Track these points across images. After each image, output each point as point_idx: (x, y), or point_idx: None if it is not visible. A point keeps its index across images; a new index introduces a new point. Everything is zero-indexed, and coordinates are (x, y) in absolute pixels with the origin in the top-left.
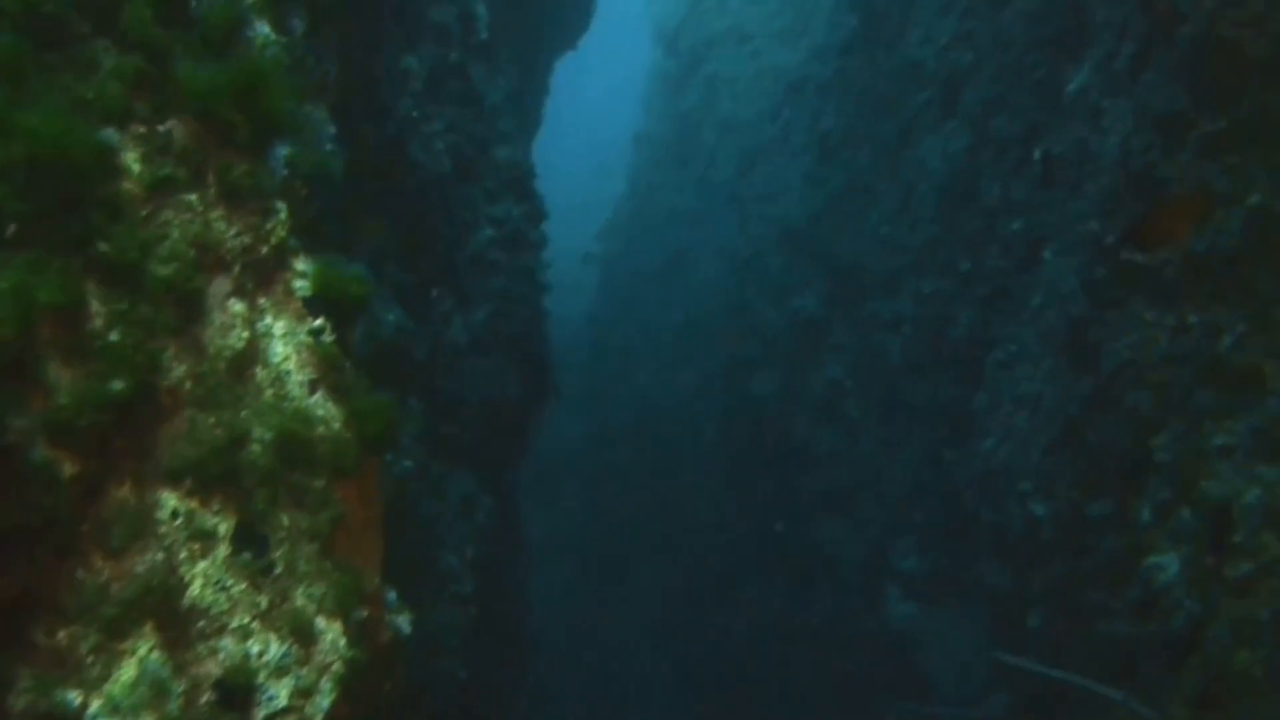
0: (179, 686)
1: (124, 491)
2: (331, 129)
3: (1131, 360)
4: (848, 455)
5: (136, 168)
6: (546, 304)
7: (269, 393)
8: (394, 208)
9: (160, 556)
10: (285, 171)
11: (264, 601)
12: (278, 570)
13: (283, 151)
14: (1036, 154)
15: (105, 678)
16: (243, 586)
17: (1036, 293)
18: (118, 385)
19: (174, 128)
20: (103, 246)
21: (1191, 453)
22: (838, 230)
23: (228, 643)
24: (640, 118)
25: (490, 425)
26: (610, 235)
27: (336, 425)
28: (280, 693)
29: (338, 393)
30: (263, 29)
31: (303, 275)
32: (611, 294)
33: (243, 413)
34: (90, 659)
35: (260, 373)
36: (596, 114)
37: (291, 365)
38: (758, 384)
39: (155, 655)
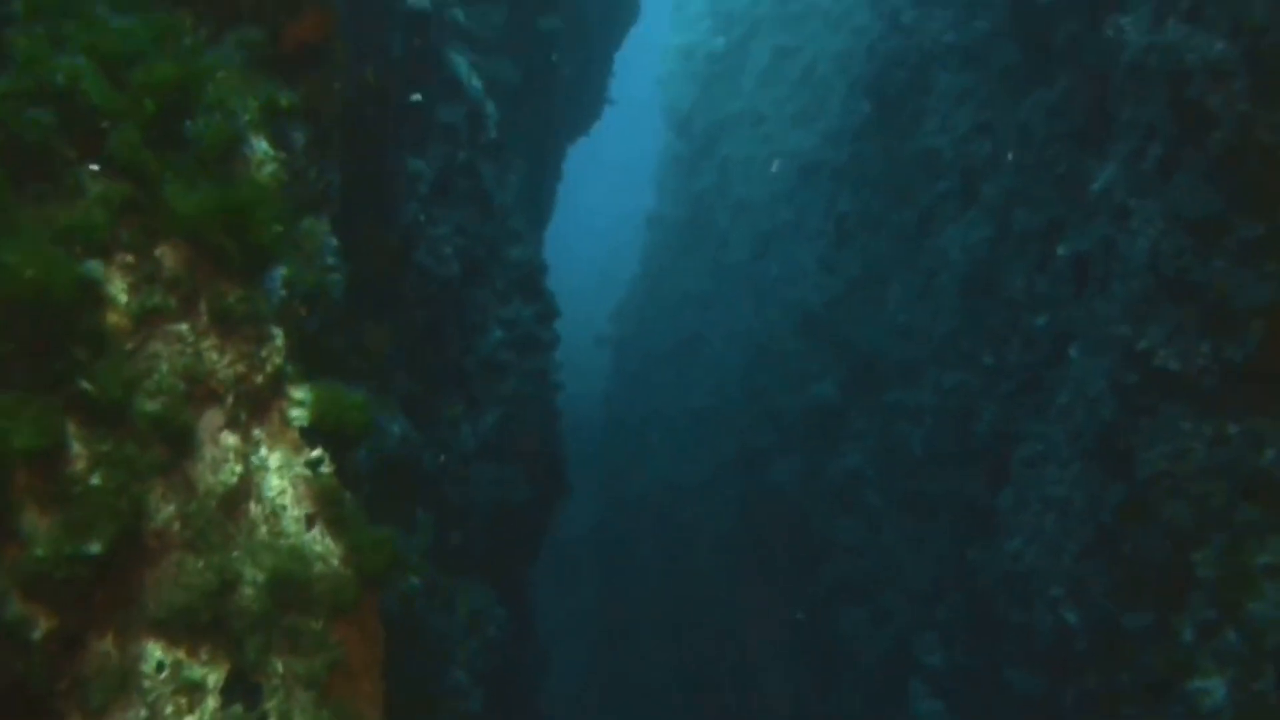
0: None
1: (106, 644)
2: (334, 242)
3: (1168, 471)
4: (869, 546)
5: (123, 298)
6: (560, 399)
7: (263, 530)
8: (401, 315)
9: (144, 714)
10: (283, 293)
11: None
12: None
13: (280, 272)
14: (1061, 250)
15: None
16: None
17: (1063, 391)
18: (99, 537)
19: (164, 254)
20: (85, 384)
21: (1235, 571)
22: (855, 317)
23: None
24: (653, 199)
25: (501, 530)
26: (624, 317)
27: (335, 562)
28: None
29: (336, 527)
30: (260, 146)
31: (300, 404)
32: (625, 376)
33: (234, 553)
34: None
35: (254, 509)
36: (611, 194)
37: (287, 499)
38: (776, 471)
39: None
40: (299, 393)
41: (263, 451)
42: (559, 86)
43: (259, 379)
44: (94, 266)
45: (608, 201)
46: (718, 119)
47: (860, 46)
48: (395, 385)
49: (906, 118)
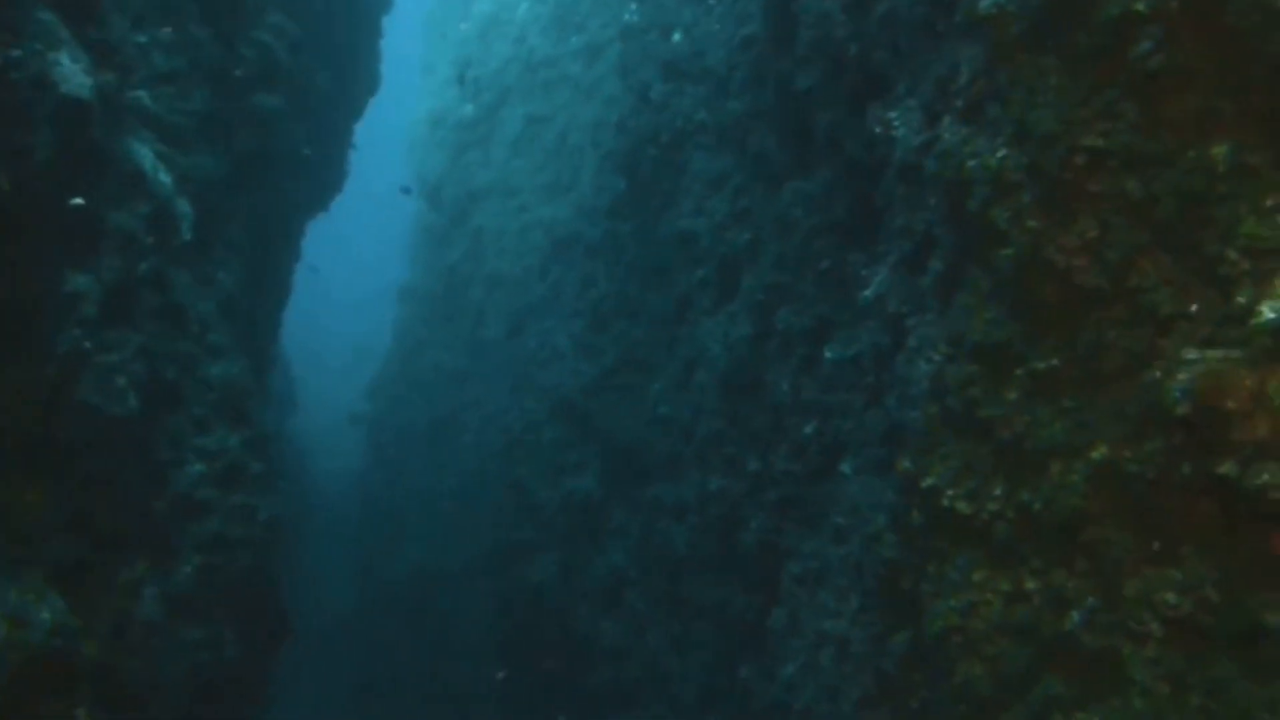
0: None
1: None
2: None
3: (960, 626)
4: (634, 650)
5: None
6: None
7: None
8: (58, 467)
9: None
10: None
11: None
12: None
13: None
14: (828, 354)
15: None
16: None
17: (837, 510)
18: None
19: None
20: None
21: None
22: (613, 406)
23: None
24: (406, 270)
25: (208, 699)
26: (378, 393)
27: None
28: None
29: None
30: None
31: None
32: (380, 456)
33: None
34: None
35: None
36: (366, 266)
37: None
38: (535, 567)
39: None
40: None
41: None
42: (286, 166)
43: None
44: None
45: (362, 273)
46: (469, 189)
47: (612, 117)
48: (52, 555)
49: (661, 198)
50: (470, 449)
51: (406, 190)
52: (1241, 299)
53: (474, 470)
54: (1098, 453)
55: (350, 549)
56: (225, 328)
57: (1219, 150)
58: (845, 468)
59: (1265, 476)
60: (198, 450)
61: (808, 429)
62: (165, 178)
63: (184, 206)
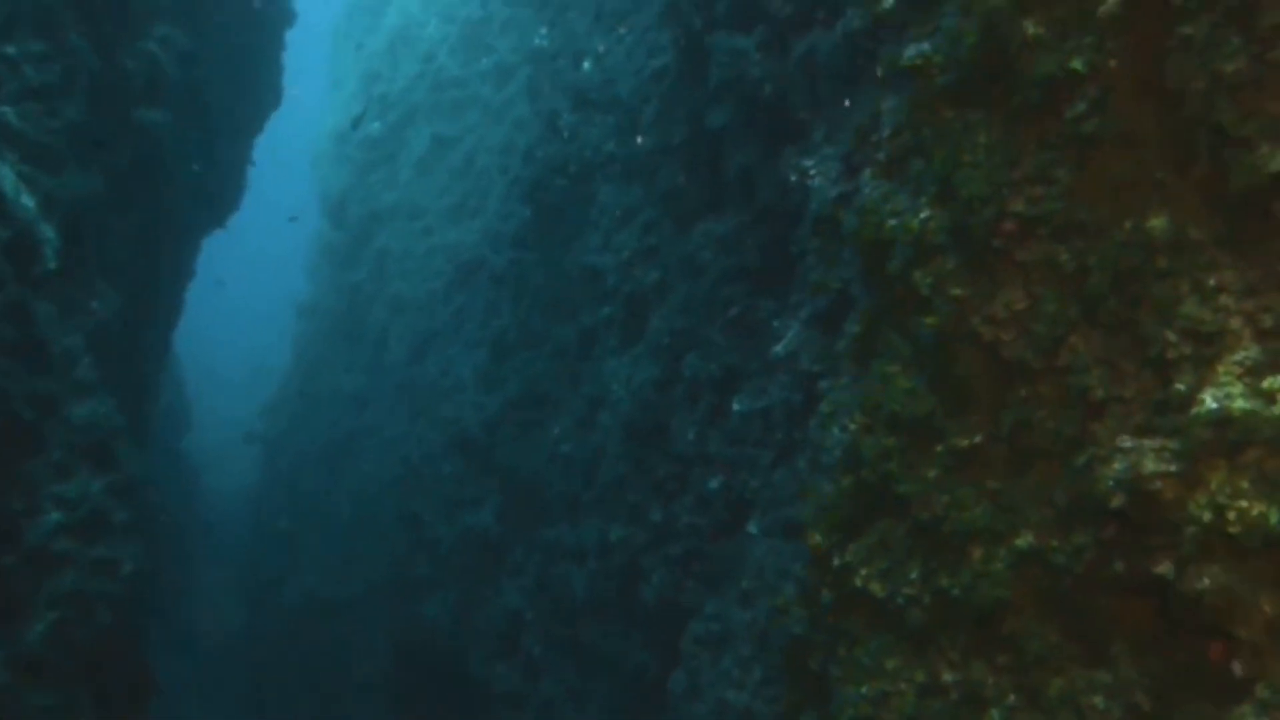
0: None
1: None
2: None
3: (872, 716)
4: (530, 697)
5: None
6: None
7: None
8: None
9: None
10: None
11: None
12: None
13: None
14: (737, 406)
15: None
16: None
17: (742, 572)
18: None
19: None
20: None
21: None
22: (514, 440)
23: None
24: (306, 287)
25: None
26: (275, 413)
27: None
28: None
29: None
30: None
31: None
32: (276, 476)
33: None
34: None
35: None
36: (265, 279)
37: None
38: (430, 605)
39: None
40: None
41: None
42: (174, 184)
43: None
44: None
45: (261, 288)
46: (374, 208)
47: (520, 141)
48: None
49: (568, 229)
50: (368, 476)
51: (294, 219)
52: (1181, 386)
53: (371, 498)
54: (1022, 540)
55: (242, 570)
56: (95, 362)
57: (1158, 222)
58: (752, 528)
59: (1205, 581)
60: (56, 498)
61: (713, 483)
62: (29, 201)
63: (48, 232)
